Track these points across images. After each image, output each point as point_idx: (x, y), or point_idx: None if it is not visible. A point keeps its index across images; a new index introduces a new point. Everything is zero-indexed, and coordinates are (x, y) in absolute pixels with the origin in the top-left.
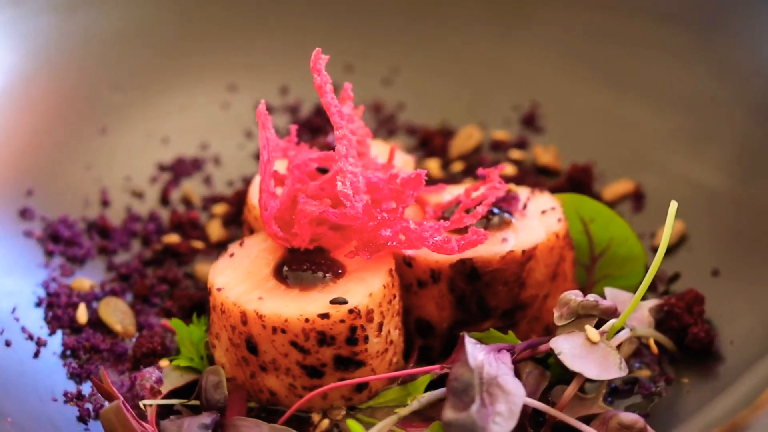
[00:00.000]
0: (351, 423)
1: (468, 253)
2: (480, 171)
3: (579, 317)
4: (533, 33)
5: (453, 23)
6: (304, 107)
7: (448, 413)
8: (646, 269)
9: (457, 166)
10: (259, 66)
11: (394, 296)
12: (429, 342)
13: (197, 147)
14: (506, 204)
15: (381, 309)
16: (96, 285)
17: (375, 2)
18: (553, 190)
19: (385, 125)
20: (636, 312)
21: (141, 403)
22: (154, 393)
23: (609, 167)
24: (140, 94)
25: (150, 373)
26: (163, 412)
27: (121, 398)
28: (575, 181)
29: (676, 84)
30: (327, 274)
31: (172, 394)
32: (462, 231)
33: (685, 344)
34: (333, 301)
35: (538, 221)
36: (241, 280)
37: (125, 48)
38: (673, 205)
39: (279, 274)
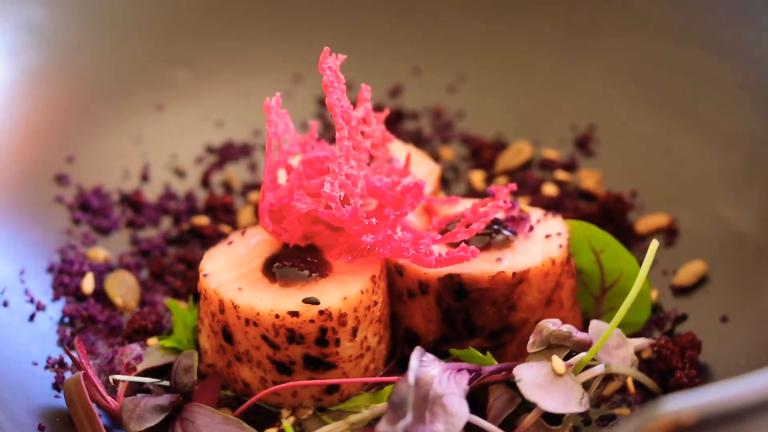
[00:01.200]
0: (285, 424)
1: (457, 269)
2: (490, 188)
3: (550, 347)
4: (600, 56)
5: (525, 38)
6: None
7: (382, 426)
8: (652, 307)
9: (501, 181)
10: None
11: (375, 303)
12: (420, 351)
13: (250, 133)
14: (514, 224)
15: (356, 314)
16: (111, 257)
17: (448, 6)
18: (587, 216)
19: (441, 132)
20: (620, 349)
21: (111, 378)
22: (129, 369)
23: (649, 198)
24: (204, 74)
25: (131, 350)
26: (137, 389)
27: (91, 370)
28: (607, 209)
29: (729, 122)
30: (312, 273)
31: (150, 373)
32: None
33: (668, 387)
34: (305, 300)
35: (540, 245)
36: (229, 268)
37: (194, 25)
38: (654, 244)
39: (266, 268)
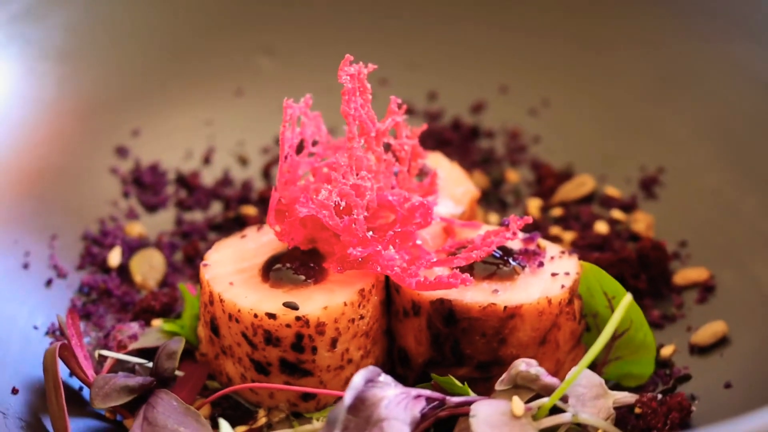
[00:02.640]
0: (221, 421)
1: (449, 294)
2: (505, 219)
3: (517, 387)
4: (686, 102)
5: (614, 70)
6: (445, 117)
7: None
8: (664, 362)
9: (556, 211)
10: (414, 66)
11: (361, 317)
12: (406, 372)
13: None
14: (525, 257)
15: (337, 325)
16: (149, 234)
17: (545, 28)
18: (623, 260)
19: (513, 154)
20: (597, 400)
21: (97, 352)
22: (120, 347)
23: (697, 251)
24: (289, 65)
25: (129, 328)
26: (128, 368)
27: (77, 341)
28: (644, 256)
29: None
30: (308, 279)
31: (143, 354)
32: (468, 269)
33: None
34: (285, 304)
35: (543, 282)
36: (230, 261)
37: (285, 15)
38: (628, 298)
39: (266, 266)
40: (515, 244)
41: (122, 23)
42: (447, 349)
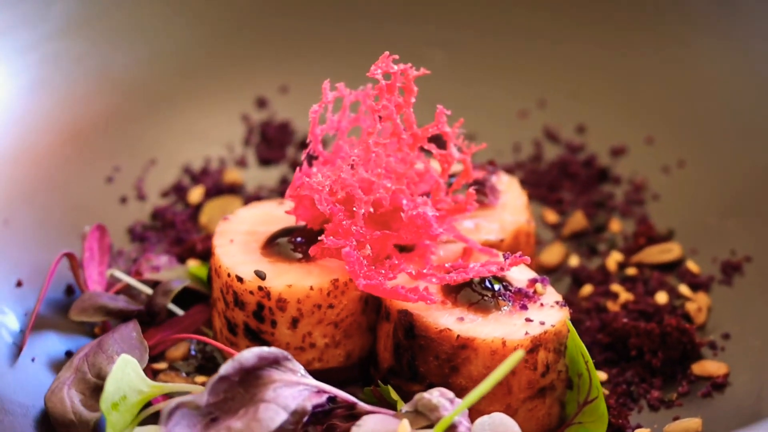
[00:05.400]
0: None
1: (414, 308)
2: (505, 252)
3: (417, 412)
4: None
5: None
6: (584, 151)
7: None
8: None
9: (630, 270)
10: (574, 96)
11: (330, 306)
12: (375, 374)
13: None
14: (517, 296)
15: (300, 306)
16: (243, 184)
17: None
18: (644, 333)
19: (628, 205)
20: None
21: (109, 272)
22: (138, 273)
23: (735, 348)
24: (459, 58)
25: (156, 259)
26: (131, 294)
27: (90, 254)
28: (667, 335)
29: None
30: (301, 257)
31: (155, 286)
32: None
33: None
34: (256, 272)
35: (511, 324)
36: (250, 221)
37: (455, 7)
38: (518, 354)
39: (273, 236)
40: (521, 282)
41: None
42: (404, 362)
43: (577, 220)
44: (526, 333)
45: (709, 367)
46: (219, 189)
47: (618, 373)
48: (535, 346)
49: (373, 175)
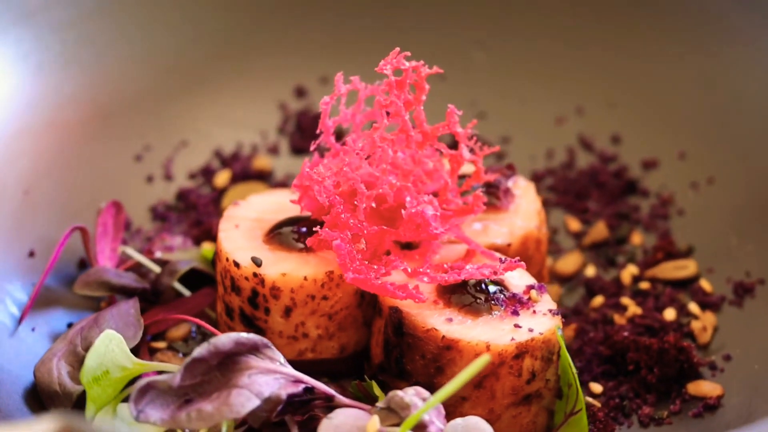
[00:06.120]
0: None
1: (404, 306)
2: (503, 257)
3: (389, 409)
4: None
5: None
6: (615, 161)
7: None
8: None
9: (644, 284)
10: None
11: (325, 297)
12: (368, 369)
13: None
14: (511, 302)
15: (293, 295)
16: (273, 170)
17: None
18: (644, 348)
19: (652, 219)
20: None
21: (122, 248)
22: (150, 252)
23: (735, 370)
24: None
25: (171, 239)
26: (140, 272)
27: (103, 230)
28: (664, 351)
29: None
30: (303, 246)
31: (164, 264)
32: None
33: None
34: (252, 258)
35: (499, 329)
36: (259, 208)
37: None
38: (483, 358)
39: (279, 224)
40: (518, 288)
41: None
42: (393, 359)
43: (599, 231)
44: (512, 339)
45: (704, 387)
46: (246, 174)
47: (614, 387)
48: (520, 353)
49: (378, 170)
